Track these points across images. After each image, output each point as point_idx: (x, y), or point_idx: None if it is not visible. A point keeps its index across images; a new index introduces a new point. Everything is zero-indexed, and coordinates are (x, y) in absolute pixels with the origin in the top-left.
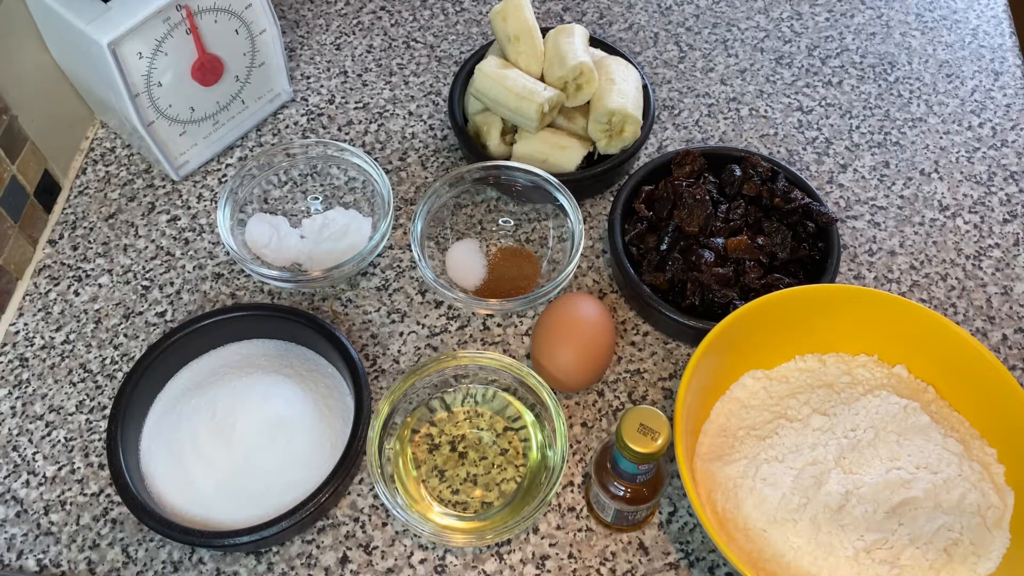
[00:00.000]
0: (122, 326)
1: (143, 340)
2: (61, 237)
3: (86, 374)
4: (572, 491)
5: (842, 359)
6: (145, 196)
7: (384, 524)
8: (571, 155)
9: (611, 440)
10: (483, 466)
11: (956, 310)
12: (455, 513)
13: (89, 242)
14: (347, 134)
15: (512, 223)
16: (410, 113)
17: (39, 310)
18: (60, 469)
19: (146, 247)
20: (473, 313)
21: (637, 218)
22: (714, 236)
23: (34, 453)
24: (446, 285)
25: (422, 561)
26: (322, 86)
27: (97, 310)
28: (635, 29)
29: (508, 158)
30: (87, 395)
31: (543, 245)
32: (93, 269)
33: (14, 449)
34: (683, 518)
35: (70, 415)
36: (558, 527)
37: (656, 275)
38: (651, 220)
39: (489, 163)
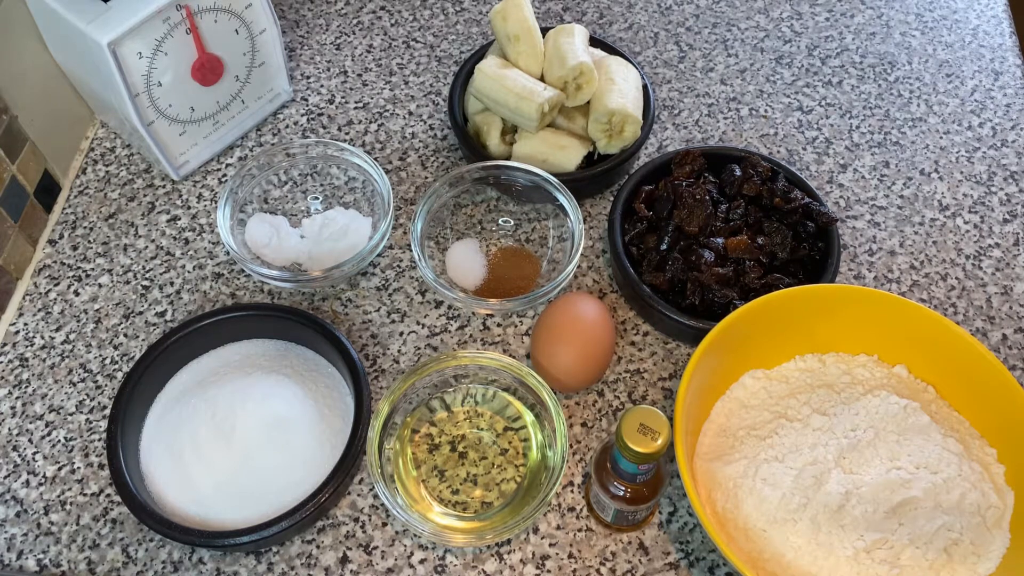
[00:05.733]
0: (122, 326)
1: (143, 340)
2: (61, 237)
3: (86, 374)
4: (572, 491)
5: (842, 359)
6: (145, 196)
7: (384, 524)
8: (571, 155)
9: (611, 440)
10: (483, 466)
11: (956, 310)
12: (455, 513)
13: (89, 242)
14: (347, 134)
15: (512, 223)
16: (410, 113)
17: (39, 310)
18: (60, 469)
19: (146, 247)
20: (473, 313)
21: (637, 218)
22: (714, 236)
23: (34, 453)
24: (446, 285)
25: (422, 561)
26: (322, 86)
27: (97, 310)
28: (635, 29)
29: (508, 158)
30: (87, 395)
31: (543, 245)
32: (93, 269)
33: (14, 449)
34: (683, 518)
35: (70, 415)
36: (558, 527)
37: (656, 275)
38: (651, 220)
39: (489, 163)
